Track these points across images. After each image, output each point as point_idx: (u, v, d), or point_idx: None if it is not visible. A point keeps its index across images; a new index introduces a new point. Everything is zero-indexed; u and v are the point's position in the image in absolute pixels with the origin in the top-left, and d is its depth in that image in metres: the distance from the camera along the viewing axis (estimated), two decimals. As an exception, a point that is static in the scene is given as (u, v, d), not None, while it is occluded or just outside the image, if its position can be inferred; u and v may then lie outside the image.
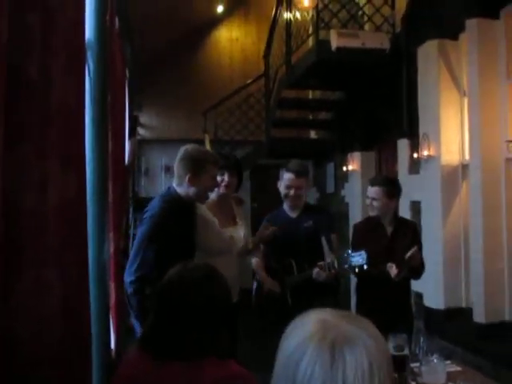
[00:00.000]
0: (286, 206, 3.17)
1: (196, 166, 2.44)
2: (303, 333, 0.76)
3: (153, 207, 2.46)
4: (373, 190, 2.89)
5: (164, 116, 8.08)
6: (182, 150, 2.50)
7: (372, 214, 2.94)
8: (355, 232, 3.05)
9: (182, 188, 2.50)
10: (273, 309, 3.06)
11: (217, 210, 2.79)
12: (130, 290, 2.32)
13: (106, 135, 2.95)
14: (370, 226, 3.01)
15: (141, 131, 7.96)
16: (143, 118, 8.02)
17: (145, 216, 2.46)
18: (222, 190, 2.79)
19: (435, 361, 1.78)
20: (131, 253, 2.44)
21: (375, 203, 2.89)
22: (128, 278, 2.34)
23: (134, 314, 2.36)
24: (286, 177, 3.01)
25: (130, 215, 5.95)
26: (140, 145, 7.55)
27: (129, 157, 5.57)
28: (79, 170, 1.78)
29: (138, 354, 1.40)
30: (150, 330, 1.43)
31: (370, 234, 2.90)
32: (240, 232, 2.84)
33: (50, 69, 1.37)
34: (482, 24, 3.80)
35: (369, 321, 0.83)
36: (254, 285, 3.28)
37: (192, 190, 2.47)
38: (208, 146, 6.92)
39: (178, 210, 2.46)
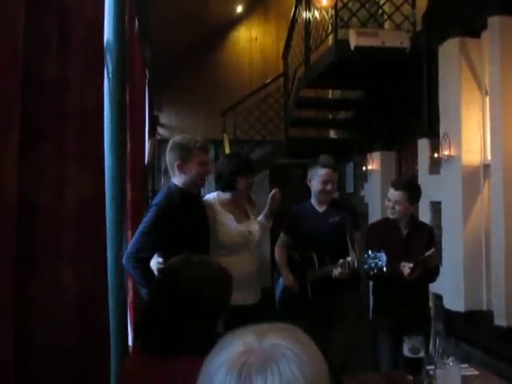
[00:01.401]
0: (313, 201, 3.17)
1: (183, 153, 2.51)
2: (220, 357, 0.73)
3: (156, 199, 2.58)
4: (396, 194, 2.87)
5: (183, 116, 8.14)
6: (170, 141, 2.60)
7: (392, 216, 2.92)
8: (371, 231, 3.03)
9: (176, 179, 2.57)
10: (293, 301, 3.08)
11: (231, 207, 2.83)
12: (128, 265, 2.39)
13: (125, 135, 3.00)
14: (386, 227, 2.99)
15: (161, 131, 8.03)
16: (163, 118, 8.08)
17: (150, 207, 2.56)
18: (248, 191, 2.87)
19: (451, 364, 1.75)
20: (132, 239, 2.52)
21: (397, 207, 2.87)
22: (125, 256, 2.42)
23: (140, 283, 2.40)
24: (323, 172, 3.02)
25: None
26: (160, 145, 7.61)
27: (148, 156, 5.64)
28: (97, 170, 1.81)
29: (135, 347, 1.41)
30: (139, 321, 1.43)
31: (385, 234, 2.89)
32: (255, 226, 2.88)
33: (68, 70, 1.40)
34: (504, 21, 3.72)
35: (306, 339, 0.77)
36: (279, 287, 3.28)
37: (183, 178, 2.54)
38: (227, 146, 6.95)
39: (180, 200, 2.52)
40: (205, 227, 2.69)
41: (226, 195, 2.84)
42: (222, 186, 2.85)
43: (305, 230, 3.09)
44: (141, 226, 2.50)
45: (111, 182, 2.68)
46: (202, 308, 1.34)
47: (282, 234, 3.27)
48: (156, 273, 2.39)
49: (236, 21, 8.44)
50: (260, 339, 0.74)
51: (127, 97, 3.17)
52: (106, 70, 2.68)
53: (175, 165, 2.54)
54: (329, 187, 3.02)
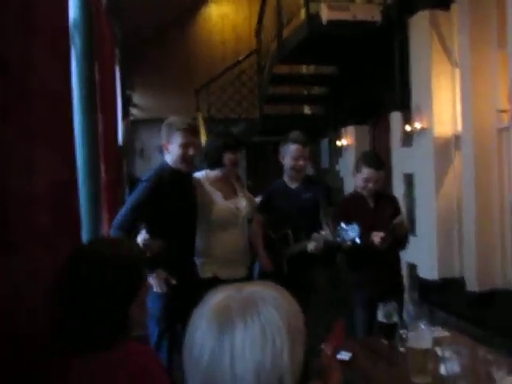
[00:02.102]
0: (286, 178, 3.18)
1: (167, 133, 2.58)
2: (200, 310, 0.77)
3: (147, 174, 2.61)
4: (377, 174, 2.90)
5: (157, 95, 8.04)
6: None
7: (366, 194, 2.96)
8: (339, 208, 3.06)
9: (167, 157, 2.62)
10: (269, 277, 3.12)
11: (220, 184, 2.87)
12: (113, 233, 2.46)
13: (96, 116, 2.96)
14: (353, 201, 3.05)
15: (134, 111, 7.93)
16: (136, 98, 7.98)
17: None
18: (235, 168, 2.88)
19: (422, 327, 1.82)
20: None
21: (375, 185, 2.91)
22: (112, 228, 2.47)
23: None
24: (294, 148, 3.02)
25: (126, 196, 5.97)
26: (133, 125, 7.53)
27: (122, 137, 5.57)
28: (68, 151, 1.79)
29: None
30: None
31: (354, 209, 2.93)
32: (243, 202, 2.92)
33: (31, 51, 1.37)
34: (472, -7, 3.76)
35: (281, 288, 0.81)
36: (257, 268, 3.32)
37: (169, 158, 2.59)
38: (201, 125, 6.90)
39: (170, 178, 2.55)
40: (194, 206, 2.73)
41: (215, 173, 2.88)
42: (209, 163, 2.89)
43: (278, 207, 3.11)
44: (129, 198, 2.55)
45: (84, 163, 2.67)
46: (110, 292, 1.20)
47: (257, 214, 3.29)
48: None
49: (207, -3, 8.31)
50: (240, 290, 0.78)
51: (96, 76, 3.12)
52: (72, 48, 2.63)
53: (162, 144, 2.61)
54: (300, 163, 3.03)
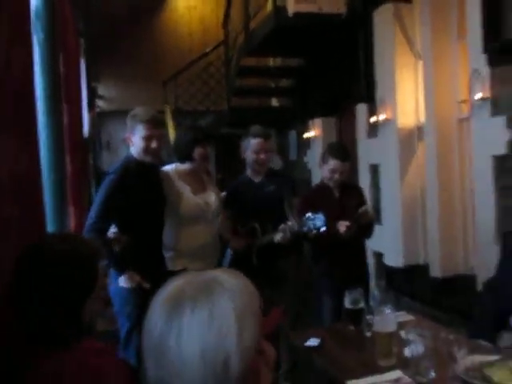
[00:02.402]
0: (249, 172, 3.21)
1: (131, 125, 2.55)
2: (159, 294, 0.80)
3: (113, 167, 2.60)
4: (344, 165, 2.94)
5: (123, 87, 7.92)
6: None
7: (332, 185, 3.01)
8: (305, 199, 3.09)
9: (132, 149, 2.60)
10: (239, 269, 3.13)
11: (189, 178, 2.86)
12: (86, 235, 2.40)
13: (60, 108, 2.90)
14: (319, 192, 3.10)
15: (100, 103, 7.79)
16: (101, 90, 7.84)
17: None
18: (205, 161, 2.87)
19: (387, 311, 1.88)
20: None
21: (342, 176, 2.96)
22: (85, 229, 2.43)
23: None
24: (255, 141, 3.03)
25: (93, 189, 5.88)
26: (99, 117, 7.40)
27: (88, 130, 5.48)
28: (31, 142, 1.76)
29: None
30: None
31: (319, 199, 2.98)
32: (212, 197, 2.92)
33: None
34: (433, -14, 3.85)
35: (240, 274, 0.84)
36: (228, 253, 3.34)
37: (134, 150, 2.57)
38: (169, 118, 6.85)
39: (136, 170, 2.53)
40: (161, 198, 2.71)
41: (184, 166, 2.86)
42: (179, 156, 2.88)
43: (244, 202, 3.13)
44: (98, 195, 2.52)
45: (48, 155, 2.61)
46: (63, 290, 1.17)
47: (222, 210, 3.29)
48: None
49: (173, -12, 8.21)
50: (199, 275, 0.81)
51: (61, 67, 3.06)
52: (35, 37, 2.57)
53: (126, 136, 2.58)
54: (262, 156, 3.05)
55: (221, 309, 0.74)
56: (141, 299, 2.44)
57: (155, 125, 2.54)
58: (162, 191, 2.73)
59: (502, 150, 3.17)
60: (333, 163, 2.95)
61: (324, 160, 3.02)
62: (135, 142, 2.54)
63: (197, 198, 2.82)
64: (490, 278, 2.46)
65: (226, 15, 6.31)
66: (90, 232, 2.38)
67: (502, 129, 3.16)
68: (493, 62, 3.20)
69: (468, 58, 3.47)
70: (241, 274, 0.84)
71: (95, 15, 6.61)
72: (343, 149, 3.13)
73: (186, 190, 2.81)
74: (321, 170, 3.12)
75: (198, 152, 2.80)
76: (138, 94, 7.71)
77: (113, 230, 2.44)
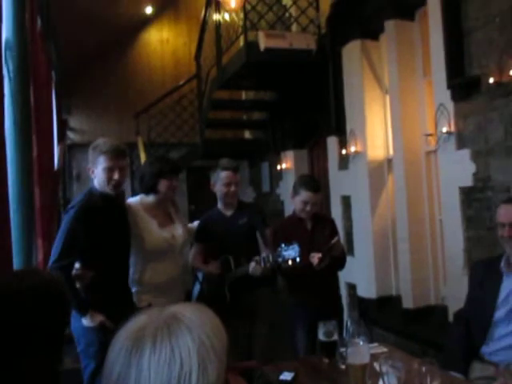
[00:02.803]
0: (220, 206, 3.21)
1: (92, 157, 2.50)
2: (122, 330, 0.79)
3: (74, 201, 2.53)
4: (315, 196, 2.97)
5: (95, 119, 7.89)
6: None
7: (305, 216, 3.03)
8: (277, 230, 3.10)
9: (94, 181, 2.55)
10: (212, 306, 3.08)
11: (155, 211, 2.81)
12: None
13: (30, 140, 2.87)
14: (291, 224, 3.11)
15: (71, 135, 7.72)
16: (73, 122, 7.79)
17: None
18: (171, 194, 2.82)
19: (361, 343, 1.87)
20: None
21: (314, 208, 2.98)
22: (49, 267, 2.36)
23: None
24: (224, 175, 3.05)
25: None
26: (70, 149, 7.32)
27: (58, 161, 5.40)
28: (-1, 175, 1.73)
29: None
30: None
31: (291, 231, 2.98)
32: (179, 230, 2.87)
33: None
34: (399, 25, 4.01)
35: (204, 308, 0.83)
36: (196, 287, 3.29)
37: (96, 182, 2.52)
38: (141, 150, 6.83)
39: (99, 203, 2.48)
40: (126, 231, 2.65)
41: (150, 199, 2.81)
42: (144, 188, 2.82)
43: (217, 236, 3.11)
44: (59, 232, 2.44)
45: (16, 187, 2.57)
46: (33, 334, 1.08)
47: (194, 244, 3.26)
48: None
49: (146, 22, 8.32)
50: (162, 311, 0.79)
51: (31, 99, 3.04)
52: (6, 69, 2.55)
53: (88, 168, 2.54)
54: (232, 189, 3.06)
55: (181, 346, 0.73)
56: (106, 339, 2.37)
57: (116, 155, 2.47)
58: (127, 224, 2.66)
59: (468, 182, 3.27)
60: (304, 195, 2.98)
61: (295, 192, 3.04)
62: (97, 173, 2.48)
63: (163, 232, 2.76)
64: (460, 309, 2.49)
65: (199, 49, 6.41)
66: (54, 271, 2.30)
67: (468, 161, 3.26)
68: (456, 97, 3.33)
69: (433, 93, 3.60)
70: (204, 308, 0.82)
71: (68, 47, 6.63)
72: (314, 180, 3.17)
73: (151, 223, 2.75)
74: (293, 202, 3.14)
75: (163, 184, 2.75)
76: (110, 126, 7.69)
77: (76, 266, 2.37)
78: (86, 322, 2.36)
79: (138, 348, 0.73)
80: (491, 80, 2.98)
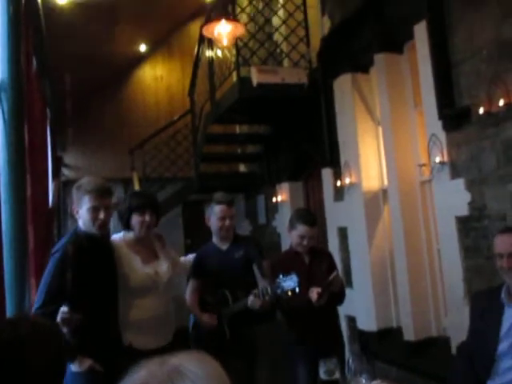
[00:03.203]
0: (215, 240, 3.19)
1: (77, 197, 2.46)
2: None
3: (57, 245, 2.46)
4: (312, 230, 2.97)
5: (90, 156, 7.91)
6: None
7: (302, 250, 3.01)
8: (275, 265, 3.06)
9: (79, 222, 2.51)
10: (211, 343, 3.02)
11: (138, 247, 2.77)
12: None
13: (24, 178, 2.87)
14: (288, 258, 3.09)
15: (66, 172, 7.73)
16: (68, 159, 7.81)
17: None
18: (144, 230, 2.74)
19: (363, 381, 1.83)
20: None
21: (311, 242, 2.97)
22: (33, 313, 2.31)
23: None
24: (219, 209, 3.04)
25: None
26: (65, 186, 7.31)
27: (53, 199, 5.38)
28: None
29: None
30: None
31: (289, 265, 2.94)
32: (163, 266, 2.79)
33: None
34: (388, 58, 4.08)
35: (207, 359, 0.80)
36: (191, 321, 3.24)
37: (81, 222, 2.48)
38: (137, 185, 6.83)
39: (85, 244, 2.44)
40: (113, 271, 2.60)
41: (131, 234, 2.77)
42: (122, 224, 2.81)
43: (212, 271, 3.08)
44: (43, 277, 2.38)
45: (10, 228, 2.54)
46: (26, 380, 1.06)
47: (191, 280, 3.22)
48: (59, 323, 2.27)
49: (140, 59, 8.46)
50: (162, 364, 0.75)
51: (26, 138, 3.05)
52: (0, 110, 2.56)
53: (72, 208, 2.50)
54: (227, 223, 3.05)
55: None
56: (95, 381, 2.30)
57: (101, 195, 2.44)
58: (114, 264, 2.62)
59: (464, 212, 3.26)
60: (301, 229, 2.97)
61: (292, 226, 3.03)
62: (81, 214, 2.45)
63: (146, 268, 2.70)
64: (463, 341, 2.45)
65: (192, 85, 6.50)
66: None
67: (463, 191, 3.26)
68: (448, 127, 3.36)
69: (425, 124, 3.63)
70: (207, 358, 0.79)
71: (63, 85, 6.71)
72: (310, 214, 3.17)
73: (134, 259, 2.69)
74: (289, 236, 3.12)
75: (134, 219, 2.72)
76: (104, 162, 7.71)
77: (62, 309, 2.30)
78: (74, 367, 2.29)
79: None
80: (481, 110, 3.02)
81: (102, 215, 2.43)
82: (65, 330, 2.26)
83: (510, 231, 2.27)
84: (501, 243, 2.21)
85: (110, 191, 2.54)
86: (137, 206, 2.72)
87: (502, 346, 2.14)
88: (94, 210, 2.42)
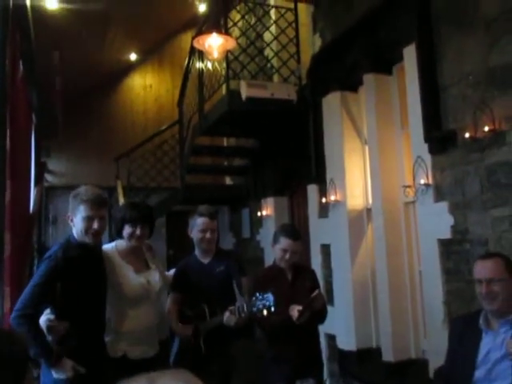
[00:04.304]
0: (197, 252, 3.17)
1: (72, 206, 2.47)
2: None
3: (50, 251, 2.45)
4: (295, 244, 2.96)
5: (75, 162, 7.84)
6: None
7: (284, 265, 3.00)
8: (257, 281, 3.05)
9: (73, 230, 2.50)
10: (187, 358, 2.99)
11: (130, 256, 2.78)
12: (13, 322, 2.25)
13: (3, 185, 2.82)
14: (271, 274, 3.07)
15: (49, 178, 7.63)
16: (52, 164, 7.72)
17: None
18: (134, 242, 2.76)
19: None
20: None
21: (294, 257, 2.96)
22: (12, 314, 2.28)
23: (28, 342, 2.22)
24: (201, 221, 3.06)
25: (35, 267, 5.59)
26: (48, 192, 7.22)
27: (34, 205, 5.30)
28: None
29: None
30: None
31: (271, 282, 2.93)
32: (155, 276, 2.83)
33: None
34: (377, 79, 4.11)
35: (193, 379, 0.80)
36: (176, 344, 3.19)
37: (75, 230, 2.47)
38: (121, 193, 6.77)
39: (76, 253, 2.43)
40: (102, 281, 2.59)
41: (124, 244, 2.78)
42: (115, 233, 2.82)
43: (193, 284, 3.07)
44: (32, 280, 2.38)
45: (-15, 235, 2.49)
46: None
47: (171, 293, 3.20)
48: (45, 330, 2.25)
49: (130, 68, 8.45)
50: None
51: (7, 143, 3.00)
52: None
53: (67, 216, 2.50)
54: (208, 235, 3.06)
55: None
56: None
57: (97, 205, 2.45)
58: (104, 273, 2.62)
59: (446, 235, 3.27)
60: (284, 242, 2.96)
61: (275, 240, 3.03)
62: (76, 222, 2.45)
63: (139, 278, 2.72)
64: (440, 366, 2.44)
65: (181, 96, 6.49)
66: (17, 318, 2.23)
67: (446, 214, 3.27)
68: (434, 150, 3.38)
69: (411, 146, 3.65)
70: (192, 378, 0.79)
71: (51, 90, 6.65)
72: (294, 229, 3.17)
73: (127, 269, 2.71)
74: (273, 251, 3.10)
75: (126, 231, 2.74)
76: (90, 169, 7.65)
77: (49, 317, 2.28)
78: (56, 373, 2.25)
79: None
80: (467, 135, 3.04)
81: (95, 225, 2.44)
82: (50, 338, 2.25)
83: (490, 257, 2.27)
84: (480, 269, 2.21)
85: (106, 201, 2.56)
86: (130, 218, 2.74)
87: (479, 372, 2.13)
88: (89, 220, 2.43)
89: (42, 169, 6.68)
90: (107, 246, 2.84)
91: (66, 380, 2.26)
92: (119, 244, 2.81)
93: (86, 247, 2.48)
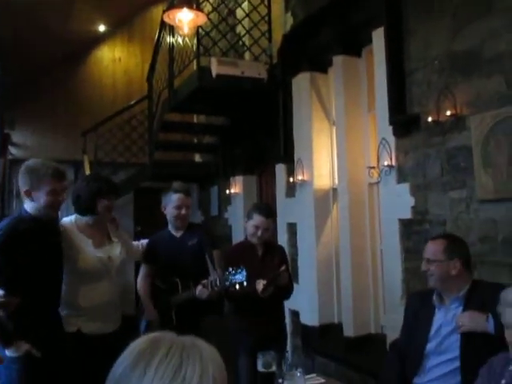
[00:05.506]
0: (170, 227, 3.20)
1: (32, 180, 2.40)
2: (132, 353, 0.79)
3: (1, 224, 2.39)
4: (267, 222, 3.04)
5: (40, 135, 7.65)
6: (23, 164, 2.46)
7: (257, 242, 3.06)
8: (228, 256, 3.13)
9: (27, 205, 2.45)
10: (157, 329, 3.04)
11: (91, 230, 2.75)
12: None
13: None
14: (242, 249, 3.14)
15: (13, 150, 7.44)
16: (16, 137, 7.52)
17: None
18: (109, 215, 2.79)
19: (298, 374, 1.88)
20: None
21: (265, 233, 3.03)
22: None
23: None
24: (176, 197, 3.08)
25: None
26: (12, 165, 7.04)
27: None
28: None
29: None
30: None
31: (242, 257, 3.01)
32: (116, 250, 2.82)
33: None
34: (346, 61, 4.16)
35: (217, 352, 0.88)
36: (144, 323, 3.22)
37: (32, 205, 2.42)
38: (87, 168, 6.67)
39: (30, 227, 2.38)
40: (58, 255, 2.56)
41: (85, 218, 2.75)
42: (81, 209, 2.76)
43: (165, 257, 3.11)
44: None
45: None
46: None
47: (143, 265, 3.23)
48: None
49: (99, 40, 8.22)
50: (176, 336, 0.85)
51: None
52: None
53: (23, 191, 2.42)
54: (183, 212, 3.10)
55: (189, 365, 0.77)
56: (32, 365, 2.26)
57: (60, 178, 2.44)
58: (60, 247, 2.58)
59: (407, 215, 3.39)
60: (256, 219, 3.03)
61: (248, 216, 3.10)
62: (39, 196, 2.39)
63: (98, 252, 2.69)
64: (395, 339, 2.56)
65: (151, 70, 6.39)
66: None
67: (407, 195, 3.38)
68: (398, 133, 3.47)
69: (377, 128, 3.73)
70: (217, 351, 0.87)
71: (15, 59, 6.44)
72: (268, 207, 3.26)
73: (86, 243, 2.68)
74: (245, 227, 3.17)
75: (102, 204, 2.72)
76: (55, 142, 7.48)
77: None
78: (10, 352, 2.24)
79: (151, 352, 0.77)
80: (430, 119, 3.13)
81: (60, 198, 2.44)
82: (1, 313, 2.21)
83: (436, 239, 2.39)
84: (426, 249, 2.35)
85: (65, 174, 2.53)
86: (105, 190, 2.73)
87: (430, 345, 2.25)
88: (55, 193, 2.40)
89: (5, 141, 6.51)
90: (65, 220, 2.80)
91: (18, 357, 2.23)
92: (78, 219, 2.77)
93: (41, 221, 2.44)
